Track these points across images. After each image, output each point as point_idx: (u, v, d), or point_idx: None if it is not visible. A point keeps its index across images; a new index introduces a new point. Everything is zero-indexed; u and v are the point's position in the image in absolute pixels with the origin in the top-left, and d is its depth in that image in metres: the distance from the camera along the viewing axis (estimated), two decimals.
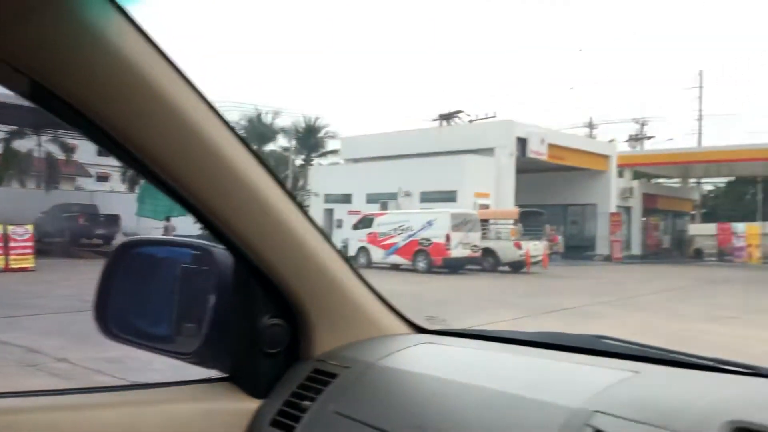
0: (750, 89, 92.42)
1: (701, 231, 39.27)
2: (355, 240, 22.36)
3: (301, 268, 1.13)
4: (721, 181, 52.79)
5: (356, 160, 31.76)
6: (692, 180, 42.56)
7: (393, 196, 27.41)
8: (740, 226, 35.59)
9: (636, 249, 32.96)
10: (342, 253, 1.21)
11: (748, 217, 41.52)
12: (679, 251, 35.99)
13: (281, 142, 47.42)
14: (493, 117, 32.00)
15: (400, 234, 21.10)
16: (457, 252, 20.03)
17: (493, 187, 26.02)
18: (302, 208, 1.13)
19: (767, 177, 44.21)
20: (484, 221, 21.78)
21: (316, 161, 46.75)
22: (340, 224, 29.33)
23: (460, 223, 20.26)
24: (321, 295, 1.17)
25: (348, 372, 1.12)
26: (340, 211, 29.91)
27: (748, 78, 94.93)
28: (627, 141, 45.90)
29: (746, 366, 0.99)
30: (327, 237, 1.18)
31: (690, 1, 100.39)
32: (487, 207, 24.72)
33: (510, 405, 0.91)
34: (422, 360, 1.15)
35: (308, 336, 1.20)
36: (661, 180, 41.11)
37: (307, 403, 1.10)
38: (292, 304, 1.16)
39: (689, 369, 1.01)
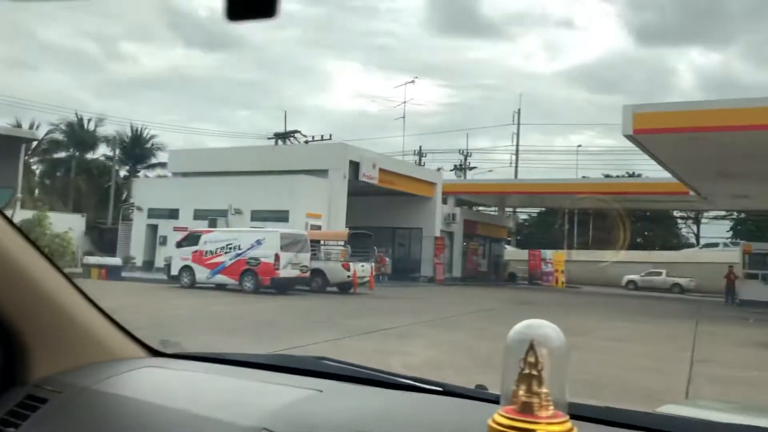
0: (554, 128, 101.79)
1: (515, 256, 42.51)
2: (179, 258, 21.48)
3: (15, 292, 1.09)
4: (534, 211, 57.54)
5: (185, 174, 30.64)
6: (509, 209, 45.92)
7: (223, 214, 26.76)
8: (549, 253, 38.98)
9: (457, 272, 34.82)
10: (69, 277, 1.18)
11: (556, 245, 45.59)
12: (495, 274, 38.54)
13: (104, 151, 44.72)
14: (329, 139, 32.52)
15: (227, 253, 20.61)
16: (286, 272, 19.93)
17: (325, 209, 26.31)
18: (21, 231, 1.10)
19: (572, 210, 48.95)
20: (315, 242, 21.92)
21: (142, 173, 44.47)
22: (164, 241, 28.05)
23: (290, 243, 20.22)
24: (40, 319, 1.13)
25: (59, 397, 1.09)
26: (165, 227, 28.62)
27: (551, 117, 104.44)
28: (452, 170, 48.68)
29: (438, 384, 1.11)
30: (53, 262, 1.16)
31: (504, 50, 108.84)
32: (319, 228, 24.92)
33: (196, 427, 0.94)
34: (140, 384, 1.14)
35: (24, 360, 1.15)
36: (481, 208, 43.91)
37: (11, 429, 1.06)
38: (6, 328, 1.12)
39: (383, 388, 1.11)
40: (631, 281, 40.97)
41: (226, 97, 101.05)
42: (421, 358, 9.10)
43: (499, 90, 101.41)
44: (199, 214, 27.43)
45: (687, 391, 7.72)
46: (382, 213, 32.15)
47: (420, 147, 49.05)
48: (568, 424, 0.78)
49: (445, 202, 35.12)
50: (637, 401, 7.05)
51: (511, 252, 43.85)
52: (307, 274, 20.72)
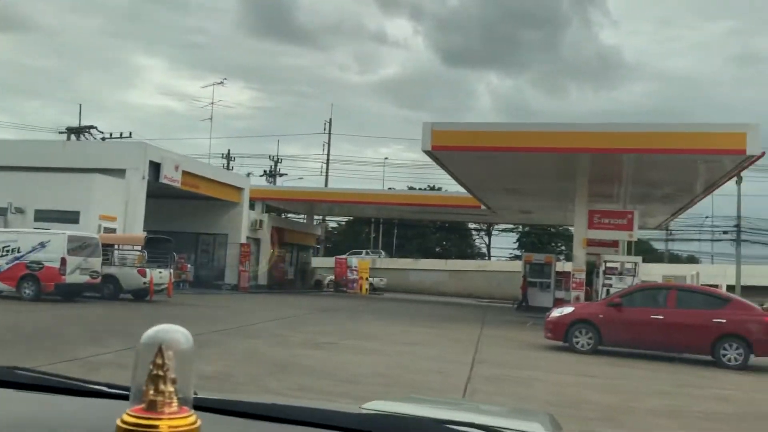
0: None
1: (322, 264, 43.04)
2: None
3: None
4: (342, 219, 58.81)
5: None
6: (318, 217, 46.44)
7: (1, 212, 24.10)
8: (354, 260, 39.99)
9: (262, 280, 34.43)
10: None
11: (362, 253, 46.98)
12: (302, 282, 38.69)
13: None
14: (129, 138, 30.68)
15: (3, 256, 18.57)
16: (73, 278, 18.39)
17: (121, 211, 24.68)
18: None
19: (378, 219, 50.74)
20: (108, 246, 20.50)
21: None
22: None
23: (79, 246, 18.70)
24: None
25: None
26: None
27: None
28: (262, 176, 48.19)
29: (123, 388, 1.10)
30: None
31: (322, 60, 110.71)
32: (113, 231, 23.33)
33: None
34: None
35: None
36: (290, 215, 43.93)
37: None
38: None
39: (71, 396, 1.07)
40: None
41: (14, 84, 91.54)
42: (213, 367, 8.84)
43: (311, 98, 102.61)
44: None
45: (465, 389, 8.30)
46: (185, 217, 30.92)
47: (228, 150, 48.03)
48: (192, 417, 0.83)
49: (252, 207, 34.63)
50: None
51: (319, 260, 44.32)
52: (98, 280, 19.29)
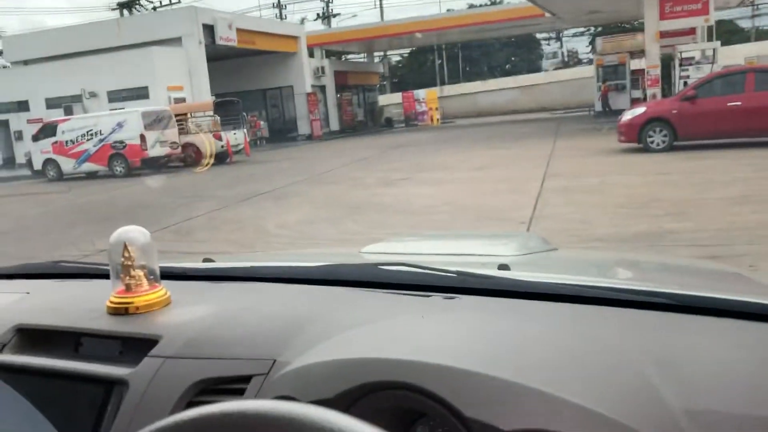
0: None
1: (390, 101, 42.83)
2: (39, 152, 20.32)
3: None
4: (404, 52, 57.34)
5: (26, 62, 28.06)
6: (378, 53, 45.53)
7: (77, 99, 25.09)
8: (421, 93, 39.53)
9: (334, 125, 34.87)
10: None
11: (430, 83, 46.21)
12: (373, 122, 38.92)
13: None
14: (177, 3, 30.40)
15: (89, 140, 19.64)
16: (155, 151, 19.35)
17: (186, 79, 25.15)
18: None
19: (440, 45, 49.12)
20: (181, 116, 21.17)
21: None
22: (20, 136, 26.21)
23: (153, 121, 19.44)
24: None
25: None
26: (17, 121, 26.61)
27: None
28: (316, 20, 47.08)
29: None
30: None
31: None
32: (183, 100, 23.94)
33: None
34: None
35: None
36: (350, 56, 43.27)
37: None
38: None
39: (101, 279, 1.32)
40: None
41: None
42: (296, 215, 9.39)
43: None
44: (51, 103, 25.61)
45: (535, 206, 8.52)
46: (249, 76, 31.15)
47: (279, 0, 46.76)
48: (161, 291, 1.13)
49: (312, 55, 34.31)
50: (490, 221, 7.76)
51: (385, 97, 44.04)
52: (178, 150, 20.21)
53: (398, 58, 58.97)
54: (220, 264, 1.46)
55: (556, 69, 47.21)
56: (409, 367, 0.81)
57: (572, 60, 55.08)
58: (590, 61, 47.22)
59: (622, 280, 1.45)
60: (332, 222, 8.63)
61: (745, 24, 49.19)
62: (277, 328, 1.02)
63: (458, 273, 1.14)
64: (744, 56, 20.01)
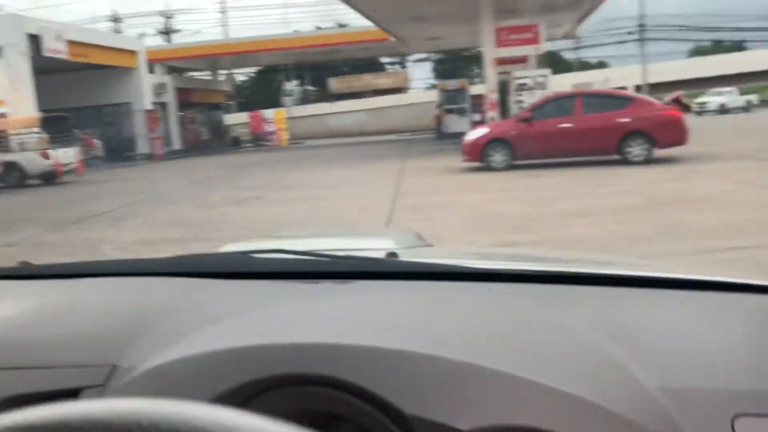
0: None
1: (237, 120, 41.94)
2: None
3: None
4: (251, 71, 56.62)
5: None
6: (223, 71, 44.48)
7: None
8: (269, 113, 39.14)
9: (177, 144, 33.43)
10: None
11: (278, 103, 45.87)
12: (218, 142, 37.84)
13: None
14: None
15: None
16: None
17: (7, 93, 22.91)
18: None
19: (288, 65, 49.02)
20: (0, 132, 19.21)
21: None
22: None
23: None
24: None
25: None
26: None
27: None
28: (156, 36, 45.18)
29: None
30: None
31: None
32: (3, 116, 21.75)
33: None
34: None
35: None
36: (194, 73, 41.93)
37: None
38: None
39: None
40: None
41: None
42: (135, 236, 8.72)
43: None
44: None
45: (389, 221, 8.50)
46: (83, 91, 29.07)
47: (115, 12, 44.37)
48: None
49: (152, 71, 32.75)
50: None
51: (234, 116, 43.08)
52: None
53: (243, 78, 58.12)
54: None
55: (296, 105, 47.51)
56: (315, 353, 0.60)
57: (312, 96, 54.88)
58: (434, 86, 49.38)
59: (507, 261, 1.35)
60: (176, 243, 8.08)
61: (568, 56, 53.88)
62: (117, 327, 0.77)
63: (349, 257, 0.95)
64: (572, 83, 21.66)
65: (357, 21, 36.91)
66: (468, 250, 1.86)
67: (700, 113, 36.22)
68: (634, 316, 0.80)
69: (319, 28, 49.95)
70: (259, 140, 37.87)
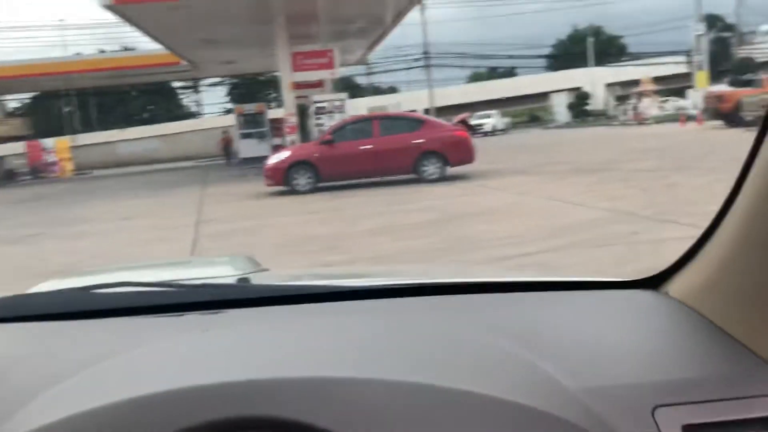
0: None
1: (11, 151, 37.82)
2: None
3: None
4: (27, 97, 51.64)
5: None
6: None
7: None
8: (50, 142, 35.84)
9: None
10: None
11: (61, 131, 42.17)
12: None
13: None
14: None
15: None
16: None
17: None
18: None
19: (70, 91, 45.37)
20: None
21: None
22: None
23: None
24: None
25: None
26: None
27: None
28: None
29: None
30: None
31: None
32: None
33: None
34: None
35: None
36: None
37: None
38: None
39: None
40: None
41: None
42: None
43: None
44: None
45: (192, 251, 8.13)
46: None
47: None
48: None
49: None
50: None
51: (4, 147, 38.77)
52: None
53: (17, 104, 52.80)
54: None
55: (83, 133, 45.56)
56: (244, 392, 0.53)
57: (100, 122, 52.09)
58: (230, 110, 48.51)
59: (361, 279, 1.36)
60: None
61: (362, 81, 55.99)
62: None
63: (208, 285, 0.90)
64: (367, 107, 22.46)
65: (146, 44, 35.30)
66: (310, 272, 1.84)
67: (474, 134, 39.48)
68: (530, 319, 0.82)
69: (102, 51, 46.93)
70: (39, 172, 34.46)
